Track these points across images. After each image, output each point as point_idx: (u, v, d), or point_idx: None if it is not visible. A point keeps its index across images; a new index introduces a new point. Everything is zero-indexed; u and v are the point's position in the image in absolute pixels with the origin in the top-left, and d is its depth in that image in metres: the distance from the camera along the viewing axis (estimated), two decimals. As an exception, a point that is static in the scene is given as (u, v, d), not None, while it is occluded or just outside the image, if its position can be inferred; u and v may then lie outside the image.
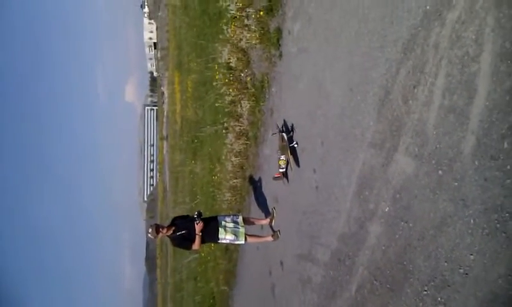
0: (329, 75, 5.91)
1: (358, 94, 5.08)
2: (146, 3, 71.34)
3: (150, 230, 7.38)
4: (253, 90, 9.17)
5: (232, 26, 9.70)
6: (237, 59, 9.72)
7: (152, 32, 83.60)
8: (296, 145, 7.07)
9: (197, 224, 7.30)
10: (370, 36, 4.77)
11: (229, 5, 9.90)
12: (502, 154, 3.01)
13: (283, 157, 7.34)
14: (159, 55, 60.52)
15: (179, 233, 7.44)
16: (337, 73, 5.67)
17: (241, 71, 9.69)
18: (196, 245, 7.49)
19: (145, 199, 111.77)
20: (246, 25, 9.00)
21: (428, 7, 3.79)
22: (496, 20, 3.04)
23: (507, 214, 2.97)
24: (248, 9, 8.98)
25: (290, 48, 7.33)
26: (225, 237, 7.66)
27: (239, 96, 9.81)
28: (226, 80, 10.47)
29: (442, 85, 3.60)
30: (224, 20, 10.77)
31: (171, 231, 7.43)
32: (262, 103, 8.82)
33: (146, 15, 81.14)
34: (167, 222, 7.83)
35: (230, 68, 10.25)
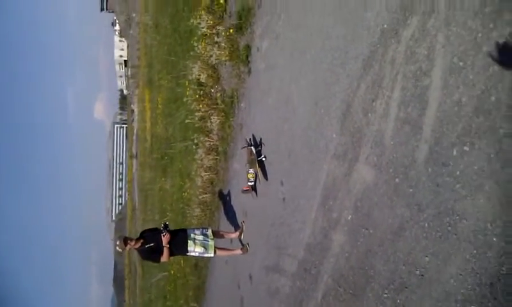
0: (295, 90, 6.12)
1: (322, 108, 5.29)
2: (117, 21, 71.03)
3: (117, 242, 7.34)
4: (223, 106, 9.33)
5: (203, 43, 9.88)
6: (207, 75, 9.88)
7: (122, 50, 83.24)
8: (264, 158, 7.23)
9: (163, 236, 7.32)
10: (333, 52, 5.02)
11: (199, 23, 10.09)
12: (451, 161, 3.23)
13: (251, 170, 7.49)
14: (129, 72, 60.18)
15: (147, 245, 7.43)
16: (303, 88, 5.89)
17: (211, 87, 9.85)
18: (164, 258, 7.48)
19: (113, 218, 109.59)
20: (216, 43, 9.19)
21: (385, 25, 4.05)
22: (445, 38, 3.30)
23: (457, 217, 3.18)
24: (218, 27, 9.18)
25: (258, 65, 7.55)
26: (194, 250, 7.68)
27: (209, 111, 9.94)
28: (197, 96, 10.60)
29: (398, 98, 3.84)
30: (195, 38, 10.95)
31: (139, 244, 7.41)
32: (231, 119, 8.98)
33: (117, 33, 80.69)
34: (135, 236, 7.80)
35: (201, 85, 10.40)
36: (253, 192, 7.78)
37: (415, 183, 3.61)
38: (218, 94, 9.61)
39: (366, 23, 4.36)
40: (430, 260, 3.44)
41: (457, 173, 3.19)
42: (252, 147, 7.33)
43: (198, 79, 10.51)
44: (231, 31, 8.47)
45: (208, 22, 9.51)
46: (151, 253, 7.50)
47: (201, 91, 10.29)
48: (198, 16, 10.45)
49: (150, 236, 7.58)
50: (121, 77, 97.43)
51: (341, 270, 4.81)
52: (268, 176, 7.14)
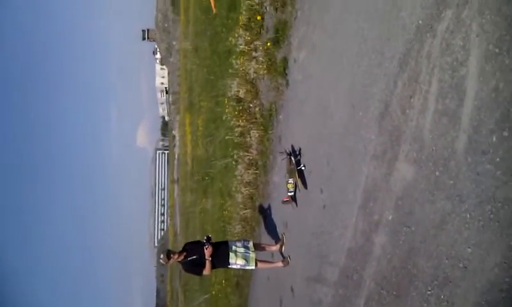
0: (333, 97, 6.21)
1: (359, 111, 5.34)
2: (158, 50, 73.62)
3: (161, 256, 7.51)
4: (262, 120, 9.50)
5: (241, 59, 10.15)
6: (246, 90, 10.11)
7: (163, 77, 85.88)
8: (303, 168, 7.28)
9: (206, 248, 7.42)
10: (370, 54, 5.09)
11: (238, 40, 10.39)
12: (491, 148, 3.21)
13: (291, 180, 7.53)
14: (170, 99, 61.92)
15: (190, 258, 7.56)
16: (340, 94, 5.97)
17: (250, 102, 10.07)
18: (206, 270, 7.58)
19: (156, 244, 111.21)
20: (254, 58, 9.44)
21: (420, 21, 4.10)
22: (479, 26, 3.32)
23: (499, 204, 3.14)
24: (255, 42, 9.43)
25: (296, 76, 7.70)
26: (236, 262, 7.74)
27: (248, 126, 10.13)
28: (236, 113, 10.83)
29: (435, 91, 3.85)
30: (234, 56, 11.26)
31: (182, 257, 7.55)
32: (270, 132, 9.12)
33: (158, 61, 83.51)
34: (178, 249, 7.96)
35: (239, 101, 10.64)
36: (293, 203, 7.81)
37: (455, 174, 3.59)
38: (257, 109, 9.80)
39: (401, 22, 4.42)
40: (473, 251, 3.39)
41: (497, 159, 3.16)
42: (291, 157, 7.40)
43: (237, 95, 10.76)
44: (268, 44, 8.69)
45: (246, 38, 9.79)
46: (193, 266, 7.62)
47: (240, 107, 10.52)
48: (235, 35, 10.76)
49: (192, 248, 7.71)
50: (162, 104, 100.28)
51: (383, 272, 4.76)
52: (308, 185, 7.18)
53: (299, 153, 7.47)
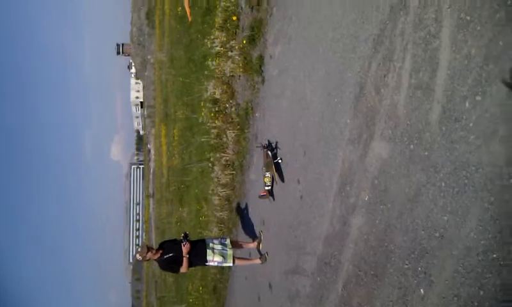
0: (308, 87, 6.26)
1: (335, 97, 5.40)
2: (133, 64, 73.13)
3: (139, 249, 7.36)
4: (238, 119, 9.50)
5: (217, 60, 10.17)
6: (222, 91, 10.12)
7: (138, 91, 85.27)
8: (280, 161, 7.29)
9: (184, 245, 7.33)
10: (344, 40, 5.17)
11: (213, 42, 10.42)
12: (464, 114, 3.28)
13: (268, 174, 7.52)
14: (145, 112, 61.43)
15: (166, 256, 7.44)
16: (316, 83, 6.02)
17: (226, 102, 10.07)
18: (183, 268, 7.48)
19: (131, 260, 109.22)
20: (230, 57, 9.47)
21: (394, 0, 4.19)
22: (451, -2, 3.42)
23: (473, 168, 3.20)
24: (231, 42, 9.47)
25: (271, 72, 7.74)
26: (213, 259, 7.67)
27: (224, 127, 10.12)
28: (212, 115, 10.81)
29: (409, 67, 3.93)
30: (210, 58, 11.28)
31: (159, 255, 7.43)
32: (246, 131, 9.12)
33: (133, 75, 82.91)
34: (155, 247, 7.83)
35: (215, 102, 10.63)
36: (270, 197, 7.80)
37: (429, 145, 3.64)
38: (233, 109, 9.81)
39: (375, 3, 4.51)
40: (449, 219, 3.43)
41: (471, 125, 3.23)
42: (268, 150, 7.40)
43: (213, 97, 10.76)
44: (244, 42, 8.74)
45: (222, 39, 9.82)
46: (170, 263, 7.50)
47: (216, 108, 10.51)
48: (211, 37, 10.79)
49: (169, 246, 7.60)
50: (137, 117, 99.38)
51: (361, 253, 4.78)
52: (285, 178, 7.18)
53: (276, 147, 7.48)
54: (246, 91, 9.03)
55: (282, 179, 7.25)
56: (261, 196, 7.92)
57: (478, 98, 3.15)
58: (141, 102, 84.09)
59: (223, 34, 9.89)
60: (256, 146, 8.08)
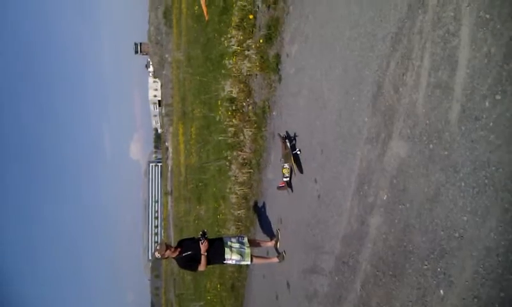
0: (325, 85, 6.24)
1: (352, 96, 5.37)
2: (151, 63, 73.75)
3: (157, 247, 7.44)
4: (255, 118, 9.53)
5: (234, 59, 10.21)
6: (239, 90, 10.15)
7: (156, 90, 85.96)
8: (298, 152, 7.21)
9: (202, 243, 7.38)
10: (362, 38, 5.13)
11: (230, 41, 10.46)
12: (484, 113, 3.24)
13: (286, 165, 7.46)
14: (163, 111, 61.94)
15: (185, 254, 7.51)
16: (333, 81, 6.00)
17: (243, 101, 10.10)
18: (202, 266, 7.53)
19: (150, 257, 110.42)
20: (247, 57, 9.49)
21: (412, -1, 4.16)
22: (470, -5, 3.37)
23: (493, 168, 3.16)
24: (248, 41, 9.49)
25: (288, 70, 7.73)
26: (231, 257, 7.71)
27: (241, 125, 10.15)
28: (229, 113, 10.86)
29: (428, 65, 3.89)
30: (227, 57, 11.32)
31: (177, 253, 7.50)
32: (263, 129, 9.13)
33: (151, 74, 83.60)
34: (173, 244, 7.91)
35: (232, 101, 10.67)
36: (289, 189, 7.74)
37: (449, 144, 3.61)
38: (250, 107, 9.84)
39: (393, 2, 4.47)
40: (468, 219, 3.39)
41: (491, 124, 3.19)
42: (286, 141, 7.32)
43: (230, 96, 10.81)
44: (261, 41, 8.75)
45: (239, 38, 9.85)
46: (189, 261, 7.57)
47: (233, 107, 10.55)
48: (228, 36, 10.83)
49: (187, 245, 7.67)
50: (155, 116, 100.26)
51: (379, 253, 4.75)
52: (302, 176, 7.16)
53: (295, 138, 7.42)
54: (263, 90, 9.04)
55: (301, 170, 7.18)
56: (279, 187, 7.88)
57: (498, 97, 3.11)
58: (159, 101, 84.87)
59: (240, 33, 9.92)
60: (277, 135, 7.98)
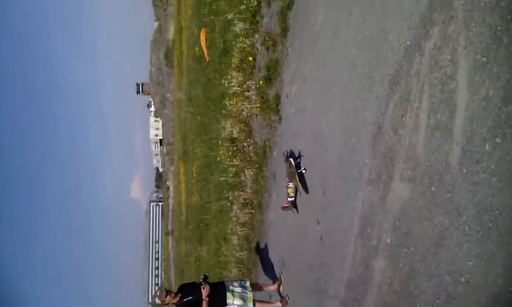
0: (325, 126, 6.26)
1: (352, 137, 5.37)
2: (152, 102, 74.61)
3: (157, 293, 7.28)
4: (256, 158, 9.53)
5: (234, 100, 10.32)
6: (240, 130, 10.21)
7: (157, 129, 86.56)
8: (304, 171, 7.00)
9: (203, 288, 7.23)
10: (360, 80, 5.18)
11: (230, 82, 10.60)
12: (485, 156, 3.21)
13: (291, 185, 7.23)
14: (164, 150, 62.21)
15: (186, 299, 7.35)
16: (333, 122, 6.02)
17: (244, 141, 10.14)
18: None
19: (150, 300, 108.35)
20: (247, 97, 9.59)
21: (408, 42, 4.21)
22: (466, 39, 3.41)
23: (497, 211, 3.11)
24: (248, 82, 9.61)
25: (288, 111, 7.78)
26: (233, 302, 7.53)
27: (242, 166, 10.15)
28: (230, 153, 10.88)
29: (426, 107, 3.90)
30: (227, 98, 11.44)
31: (178, 298, 7.34)
32: (264, 169, 9.12)
33: (152, 114, 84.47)
34: (174, 289, 7.76)
35: (233, 141, 10.71)
36: (294, 209, 7.45)
37: (451, 187, 3.57)
38: (251, 148, 9.86)
39: (389, 45, 4.53)
40: (474, 264, 3.32)
41: (492, 166, 3.16)
42: (291, 159, 7.11)
43: (231, 136, 10.86)
44: (260, 82, 8.86)
45: (239, 79, 9.99)
46: (190, 306, 7.40)
47: (234, 147, 10.58)
48: (228, 77, 10.98)
49: (188, 290, 7.51)
50: (156, 155, 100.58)
51: (384, 298, 4.64)
52: (309, 189, 6.89)
53: (299, 157, 7.22)
54: (263, 130, 9.09)
55: (306, 190, 6.95)
56: (284, 208, 7.59)
57: (498, 140, 3.09)
58: (160, 140, 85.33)
59: (240, 74, 10.06)
60: (282, 154, 7.72)
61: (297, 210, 7.45)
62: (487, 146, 3.20)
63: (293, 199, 7.38)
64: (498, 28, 3.10)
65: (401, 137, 4.30)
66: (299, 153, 7.28)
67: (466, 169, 3.41)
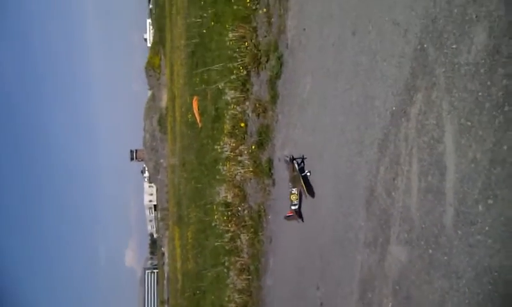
0: (319, 189, 6.29)
1: (346, 200, 5.40)
2: (146, 168, 74.73)
3: None
4: (251, 222, 9.45)
5: (227, 165, 10.37)
6: (234, 194, 10.18)
7: (151, 194, 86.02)
8: (308, 173, 6.58)
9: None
10: (349, 145, 5.28)
11: (223, 148, 10.71)
12: (479, 218, 3.24)
13: (294, 190, 6.77)
14: (159, 215, 61.58)
15: None
16: (325, 186, 6.07)
17: (238, 206, 10.09)
18: None
19: None
20: (240, 162, 9.65)
21: (394, 108, 4.34)
22: (450, 104, 3.53)
23: (495, 273, 3.10)
24: (240, 147, 9.71)
25: (281, 175, 7.81)
26: None
27: (238, 231, 10.04)
28: (225, 218, 10.78)
29: (417, 170, 3.96)
30: (220, 163, 11.50)
31: None
32: (260, 233, 9.02)
33: (146, 180, 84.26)
34: None
35: (228, 206, 10.65)
36: (299, 219, 6.89)
37: (448, 249, 3.57)
38: (245, 212, 9.81)
39: (376, 111, 4.66)
40: (478, 327, 3.26)
41: (487, 228, 3.18)
42: (294, 162, 6.68)
43: (225, 201, 10.82)
44: (253, 147, 8.95)
45: (231, 145, 10.09)
46: None
47: (229, 212, 10.51)
48: (221, 143, 11.09)
49: None
50: (151, 221, 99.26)
51: None
52: (315, 194, 6.46)
53: (303, 160, 6.80)
54: (257, 194, 9.09)
55: (312, 193, 6.47)
56: (287, 217, 7.03)
57: (490, 201, 3.14)
58: (154, 205, 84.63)
59: (232, 140, 10.18)
60: (284, 158, 7.20)
61: (302, 219, 6.88)
62: (480, 208, 3.24)
63: (297, 207, 6.83)
64: (479, 94, 3.23)
65: (394, 200, 4.34)
66: (303, 157, 6.82)
67: (461, 231, 3.42)
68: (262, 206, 8.83)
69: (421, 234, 3.91)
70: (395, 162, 4.31)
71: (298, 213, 6.85)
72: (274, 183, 8.25)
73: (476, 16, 3.32)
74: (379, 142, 4.61)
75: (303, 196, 6.70)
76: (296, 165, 6.68)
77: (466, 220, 3.36)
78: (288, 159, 6.85)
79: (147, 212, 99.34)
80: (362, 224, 5.01)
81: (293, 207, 6.85)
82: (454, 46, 3.53)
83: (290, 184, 6.89)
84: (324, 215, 6.12)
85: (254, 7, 9.29)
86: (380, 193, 4.60)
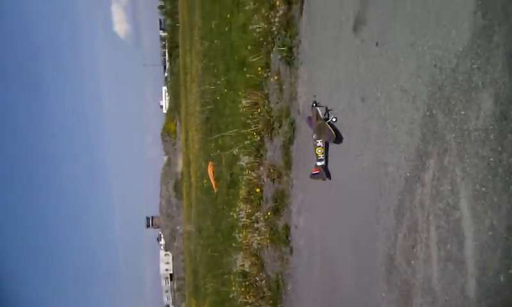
0: (338, 257, 6.17)
1: (366, 269, 5.27)
2: (162, 236, 74.34)
3: None
4: (270, 293, 9.20)
5: (244, 232, 10.27)
6: (251, 263, 10.00)
7: (167, 263, 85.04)
8: (334, 119, 5.95)
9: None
10: (366, 210, 5.21)
11: (239, 214, 10.66)
12: (502, 288, 3.12)
13: (319, 142, 6.08)
14: (175, 285, 60.52)
15: None
16: (344, 253, 5.95)
17: (256, 275, 9.87)
18: None
19: None
20: (256, 229, 9.56)
21: (408, 173, 4.32)
22: (462, 170, 3.51)
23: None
24: (256, 214, 9.65)
25: (298, 241, 7.71)
26: None
27: (256, 302, 9.75)
28: (242, 289, 10.52)
29: (435, 238, 3.88)
30: (236, 230, 11.42)
31: None
32: (279, 306, 8.76)
33: (162, 247, 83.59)
34: None
35: (245, 275, 10.43)
36: (326, 177, 6.27)
37: (474, 323, 3.41)
38: (263, 282, 9.58)
39: (390, 177, 4.65)
40: None
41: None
42: (317, 107, 6.09)
43: (242, 270, 10.62)
44: (269, 213, 8.90)
45: (247, 211, 10.04)
46: None
47: (247, 282, 10.27)
48: (237, 209, 11.06)
49: None
50: (167, 292, 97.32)
51: None
52: (343, 142, 5.89)
53: (327, 111, 6.20)
54: (275, 262, 8.91)
55: (340, 139, 5.85)
56: (313, 176, 6.38)
57: (511, 271, 3.03)
58: (170, 275, 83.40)
59: (248, 206, 10.15)
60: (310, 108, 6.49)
61: (329, 177, 6.29)
62: (501, 278, 3.13)
63: (323, 162, 6.20)
64: (491, 159, 3.22)
65: (415, 270, 4.22)
66: (327, 108, 6.26)
67: (486, 303, 3.29)
68: (280, 276, 8.63)
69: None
70: (413, 229, 4.23)
71: (325, 170, 6.23)
72: (291, 251, 8.11)
73: (482, 83, 3.37)
74: (395, 209, 4.56)
75: (330, 142, 6.04)
76: (320, 112, 6.08)
77: (490, 291, 3.24)
78: (312, 106, 6.27)
79: (163, 281, 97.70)
80: (383, 295, 4.84)
81: (319, 163, 6.23)
82: (462, 112, 3.56)
83: (314, 136, 6.23)
84: (344, 284, 5.96)
85: (265, 75, 9.59)
86: (400, 262, 4.49)
